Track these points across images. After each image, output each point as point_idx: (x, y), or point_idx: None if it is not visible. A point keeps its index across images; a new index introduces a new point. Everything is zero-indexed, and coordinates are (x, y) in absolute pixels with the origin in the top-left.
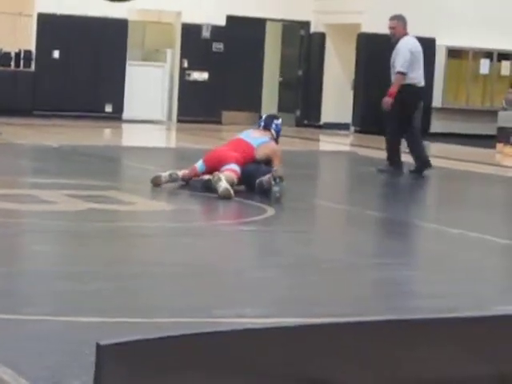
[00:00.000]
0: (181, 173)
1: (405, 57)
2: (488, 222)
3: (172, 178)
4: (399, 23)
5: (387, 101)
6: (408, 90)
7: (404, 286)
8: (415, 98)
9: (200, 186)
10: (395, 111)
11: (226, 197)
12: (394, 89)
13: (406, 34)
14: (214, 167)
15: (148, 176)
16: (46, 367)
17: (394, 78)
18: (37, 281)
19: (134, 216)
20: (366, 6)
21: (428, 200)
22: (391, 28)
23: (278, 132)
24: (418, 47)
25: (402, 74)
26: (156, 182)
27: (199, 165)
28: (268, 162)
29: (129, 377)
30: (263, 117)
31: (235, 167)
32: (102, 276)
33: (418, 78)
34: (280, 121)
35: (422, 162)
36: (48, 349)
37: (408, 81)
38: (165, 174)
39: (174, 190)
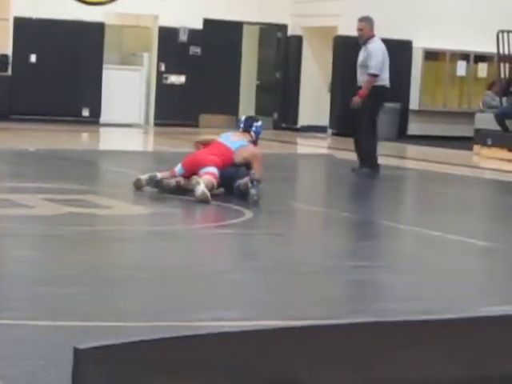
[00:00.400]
0: (160, 175)
1: (378, 59)
2: (466, 224)
3: (151, 180)
4: (367, 24)
5: (357, 100)
6: (379, 91)
7: (381, 289)
8: (384, 99)
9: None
10: (368, 112)
11: (203, 200)
12: (365, 90)
13: (373, 35)
14: (192, 170)
15: (126, 180)
16: (23, 372)
17: (362, 78)
18: (14, 285)
19: (112, 220)
20: (342, 9)
21: (406, 202)
22: (359, 29)
23: (257, 134)
24: (385, 48)
25: (375, 76)
26: (137, 185)
27: (178, 168)
28: (248, 165)
29: (106, 381)
30: (242, 118)
31: (214, 170)
32: (79, 280)
33: (386, 79)
34: (260, 123)
35: (373, 163)
36: (26, 353)
37: (379, 82)
38: (144, 177)
39: (152, 193)
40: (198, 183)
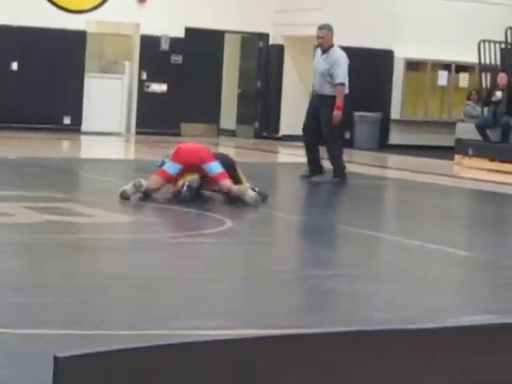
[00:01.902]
0: (146, 183)
1: (344, 67)
2: (446, 234)
3: (136, 188)
4: (328, 32)
5: (338, 114)
6: (344, 101)
7: (360, 298)
8: (346, 108)
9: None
10: (328, 118)
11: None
12: (341, 101)
13: (333, 44)
14: (192, 164)
15: (106, 188)
16: (2, 380)
17: (323, 87)
18: None
19: (92, 228)
20: (323, 18)
21: (386, 212)
22: (320, 37)
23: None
24: (346, 57)
25: (343, 85)
26: (124, 197)
27: (169, 167)
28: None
29: None
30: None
31: (221, 169)
32: (59, 288)
33: (347, 88)
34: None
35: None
36: (4, 362)
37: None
38: (129, 186)
39: (133, 201)
40: (244, 193)
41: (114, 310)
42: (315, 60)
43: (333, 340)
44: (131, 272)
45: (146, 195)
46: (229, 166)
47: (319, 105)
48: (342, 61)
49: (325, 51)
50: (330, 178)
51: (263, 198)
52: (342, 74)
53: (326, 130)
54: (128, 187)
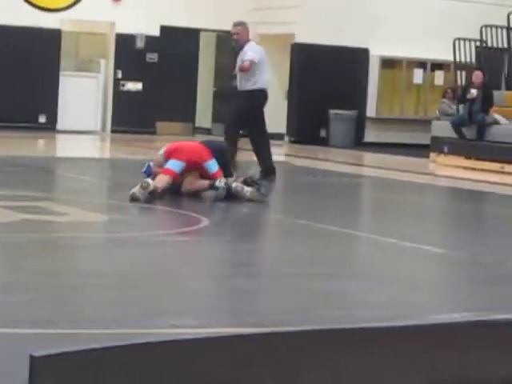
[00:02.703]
0: (153, 182)
1: (253, 56)
2: (421, 231)
3: (144, 188)
4: (243, 29)
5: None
6: (259, 94)
7: (338, 296)
8: (264, 102)
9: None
10: (256, 116)
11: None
12: (244, 65)
13: (249, 39)
14: (194, 162)
15: (82, 187)
16: None
17: (243, 83)
18: None
19: (68, 227)
20: (299, 16)
21: (362, 209)
22: (235, 34)
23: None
24: (264, 52)
25: (249, 61)
26: (134, 199)
27: (174, 165)
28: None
29: None
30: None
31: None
32: (34, 287)
33: (266, 82)
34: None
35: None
36: None
37: (258, 85)
38: (137, 188)
39: (109, 200)
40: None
41: (90, 308)
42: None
43: (309, 338)
44: (108, 270)
45: (154, 195)
46: (225, 153)
47: (241, 100)
48: (251, 49)
49: (241, 47)
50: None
51: (260, 187)
52: (248, 57)
53: (230, 122)
54: (136, 189)
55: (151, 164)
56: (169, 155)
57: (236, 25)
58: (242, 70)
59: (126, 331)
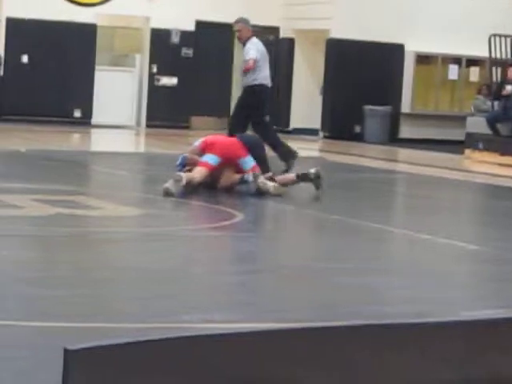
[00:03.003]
0: (189, 175)
1: (255, 50)
2: (456, 228)
3: (177, 182)
4: (244, 25)
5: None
6: (260, 90)
7: (372, 292)
8: (266, 98)
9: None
10: (258, 111)
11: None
12: (246, 67)
13: (251, 35)
14: (229, 158)
15: (117, 181)
16: (13, 373)
17: (244, 78)
18: (4, 286)
19: (102, 221)
20: (334, 11)
21: (397, 205)
22: (238, 31)
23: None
24: (264, 48)
25: (250, 60)
26: (168, 193)
27: (211, 159)
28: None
29: (96, 381)
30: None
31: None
32: (69, 281)
33: (266, 78)
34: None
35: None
36: (15, 354)
37: (258, 81)
38: (170, 182)
39: (144, 194)
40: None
41: (124, 302)
42: None
43: (343, 334)
44: (140, 265)
45: (189, 187)
46: (261, 148)
47: (243, 96)
48: (252, 47)
49: (244, 44)
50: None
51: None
52: (249, 54)
53: (233, 121)
54: (169, 183)
55: (186, 155)
56: (204, 148)
57: (237, 21)
58: (247, 70)
59: (158, 325)
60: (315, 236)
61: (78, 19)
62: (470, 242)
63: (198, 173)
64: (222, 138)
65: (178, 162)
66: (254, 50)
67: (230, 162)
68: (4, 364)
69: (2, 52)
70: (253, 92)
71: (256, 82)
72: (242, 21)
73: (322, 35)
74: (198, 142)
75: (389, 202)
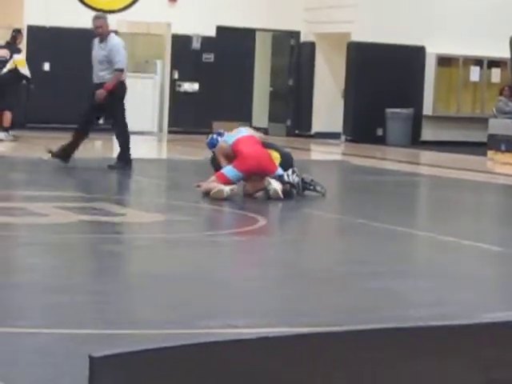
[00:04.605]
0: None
1: (123, 54)
2: (481, 230)
3: (233, 193)
4: (105, 22)
5: (102, 93)
6: (123, 86)
7: (396, 295)
8: (125, 93)
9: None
10: (119, 107)
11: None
12: (112, 84)
13: (110, 31)
14: (256, 174)
15: (139, 187)
16: (38, 380)
17: (102, 74)
18: (29, 293)
19: (126, 227)
20: (355, 15)
21: (420, 208)
22: (99, 27)
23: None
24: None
25: (122, 71)
26: (219, 196)
27: (232, 174)
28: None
29: None
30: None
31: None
32: (93, 288)
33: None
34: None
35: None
36: (41, 361)
37: (124, 77)
38: (227, 189)
39: (166, 200)
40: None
41: (148, 309)
42: (94, 50)
43: (370, 337)
44: (164, 271)
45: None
46: (291, 161)
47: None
48: (120, 47)
49: (103, 39)
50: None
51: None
52: (122, 60)
53: (114, 117)
54: (225, 189)
55: (219, 140)
56: (235, 152)
57: (98, 17)
58: (118, 81)
59: (182, 331)
60: (339, 240)
61: None
62: (494, 244)
63: (214, 187)
64: (255, 148)
65: (207, 140)
66: (122, 50)
67: (256, 175)
68: (29, 371)
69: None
70: (120, 88)
71: (123, 78)
72: (103, 17)
73: (343, 39)
74: (230, 141)
75: (412, 205)
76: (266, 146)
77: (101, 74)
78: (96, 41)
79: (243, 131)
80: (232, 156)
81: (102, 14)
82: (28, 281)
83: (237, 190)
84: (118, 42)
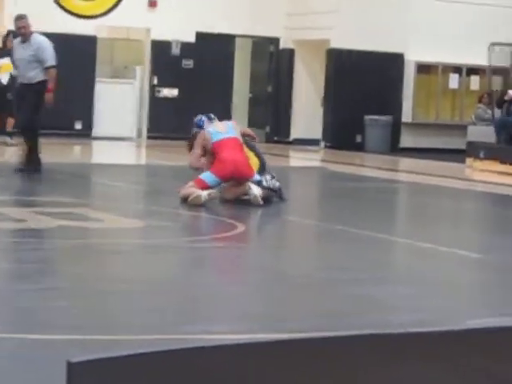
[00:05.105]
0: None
1: (51, 51)
2: (458, 237)
3: (211, 198)
4: (27, 21)
5: (50, 96)
6: (46, 83)
7: (375, 301)
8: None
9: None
10: (37, 104)
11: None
12: (53, 84)
13: (32, 31)
14: (234, 179)
15: (118, 193)
16: None
17: (31, 73)
18: (6, 298)
19: (104, 233)
20: (334, 22)
21: (399, 215)
22: (22, 27)
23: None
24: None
25: (55, 67)
26: (196, 202)
27: (211, 180)
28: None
29: None
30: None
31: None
32: (70, 293)
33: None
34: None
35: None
36: (18, 367)
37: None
38: (204, 194)
39: (145, 206)
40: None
41: (126, 314)
42: (15, 51)
43: (348, 344)
44: (142, 276)
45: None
46: (265, 165)
47: (27, 93)
48: (48, 45)
49: (26, 40)
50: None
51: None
52: (52, 57)
53: (27, 116)
54: (203, 194)
55: (206, 127)
56: (214, 151)
57: (20, 18)
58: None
59: (161, 337)
60: (318, 246)
61: (78, 31)
62: (473, 251)
63: (189, 192)
64: (233, 154)
65: (196, 119)
66: (50, 47)
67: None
68: (6, 377)
69: None
70: (43, 87)
71: (41, 79)
72: (25, 17)
73: (322, 45)
74: (213, 140)
75: (390, 212)
76: (250, 147)
77: (31, 75)
78: (17, 42)
79: (231, 131)
80: (210, 152)
81: (23, 14)
82: (4, 285)
83: (214, 195)
84: (42, 39)
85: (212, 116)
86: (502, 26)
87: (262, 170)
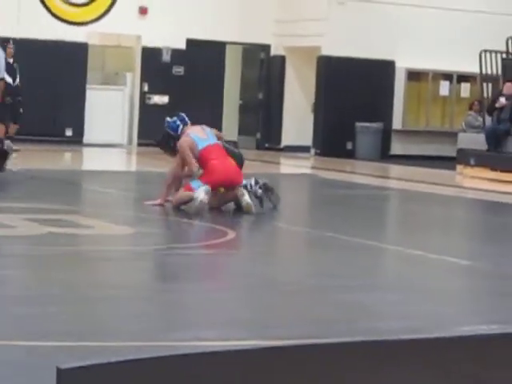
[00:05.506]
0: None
1: (2, 63)
2: (448, 244)
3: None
4: None
5: None
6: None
7: (365, 308)
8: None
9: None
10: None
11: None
12: (1, 96)
13: None
14: (222, 186)
15: (108, 200)
16: None
17: None
18: None
19: (94, 240)
20: (325, 29)
21: (389, 222)
22: None
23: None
24: None
25: (2, 79)
26: (201, 207)
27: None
28: None
29: None
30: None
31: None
32: (60, 300)
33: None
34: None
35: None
36: (8, 373)
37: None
38: (201, 197)
39: (135, 213)
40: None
41: (115, 321)
42: None
43: (338, 351)
44: (133, 283)
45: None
46: (242, 162)
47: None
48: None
49: None
50: None
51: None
52: (2, 69)
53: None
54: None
55: (181, 130)
56: (202, 159)
57: None
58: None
59: (150, 344)
60: (308, 253)
61: (69, 38)
62: (462, 258)
63: (181, 199)
64: (222, 161)
65: (170, 121)
66: (2, 60)
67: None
68: None
69: None
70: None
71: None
72: None
73: (313, 52)
74: (199, 147)
75: (381, 219)
76: (224, 148)
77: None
78: None
79: (211, 137)
80: (196, 159)
81: None
82: None
83: (206, 201)
84: None
85: (186, 119)
86: (492, 34)
87: (241, 164)
